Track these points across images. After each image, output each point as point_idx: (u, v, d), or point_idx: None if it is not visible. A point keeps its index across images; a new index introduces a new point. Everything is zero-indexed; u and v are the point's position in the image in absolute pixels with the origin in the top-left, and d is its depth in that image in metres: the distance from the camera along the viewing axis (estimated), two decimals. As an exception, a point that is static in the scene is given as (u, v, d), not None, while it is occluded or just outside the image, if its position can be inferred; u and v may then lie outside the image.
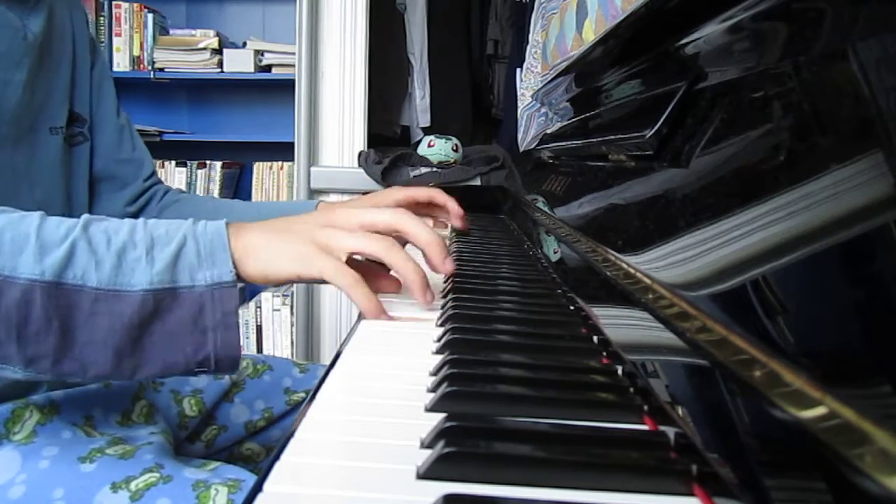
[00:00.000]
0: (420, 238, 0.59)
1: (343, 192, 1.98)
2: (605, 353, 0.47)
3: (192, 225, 0.53)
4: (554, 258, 0.76)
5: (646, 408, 0.37)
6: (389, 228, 0.58)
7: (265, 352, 2.24)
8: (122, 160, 0.89)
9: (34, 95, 0.72)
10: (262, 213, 0.90)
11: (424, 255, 0.60)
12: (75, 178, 0.81)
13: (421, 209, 0.85)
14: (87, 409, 0.71)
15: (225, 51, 2.38)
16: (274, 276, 0.53)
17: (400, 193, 0.81)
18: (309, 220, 0.57)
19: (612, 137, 0.66)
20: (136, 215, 0.91)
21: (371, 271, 0.61)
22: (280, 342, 2.29)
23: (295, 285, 2.07)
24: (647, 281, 0.42)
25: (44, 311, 0.47)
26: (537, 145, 1.34)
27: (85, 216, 0.52)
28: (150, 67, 2.41)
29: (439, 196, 0.82)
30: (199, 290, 0.50)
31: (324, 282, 0.54)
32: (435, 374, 0.43)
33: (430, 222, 0.87)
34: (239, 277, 0.52)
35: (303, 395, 0.89)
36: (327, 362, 0.47)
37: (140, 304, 0.49)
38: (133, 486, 0.59)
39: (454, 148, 1.97)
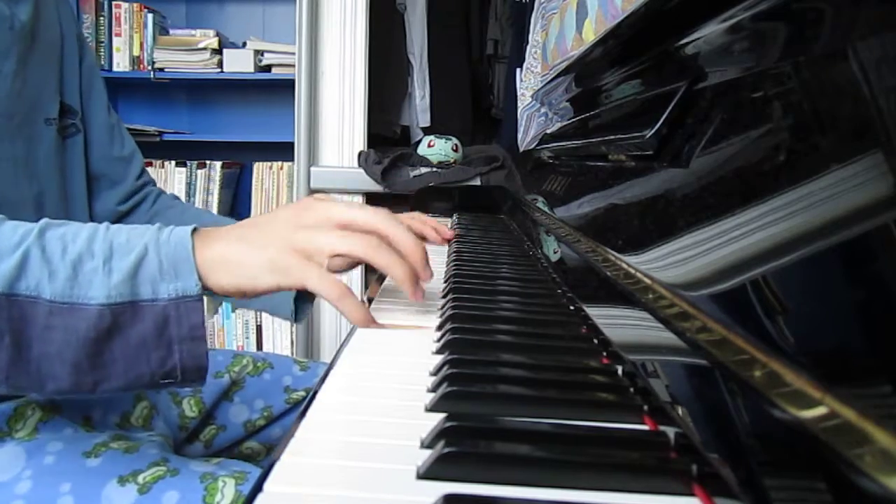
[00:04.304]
0: (400, 244, 0.54)
1: (343, 192, 1.98)
2: (605, 353, 0.47)
3: (156, 232, 0.50)
4: (554, 258, 0.76)
5: (646, 408, 0.37)
6: (368, 228, 0.53)
7: (265, 351, 2.24)
8: (112, 158, 0.88)
9: (25, 86, 0.72)
10: None
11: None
12: (71, 171, 0.80)
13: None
14: (87, 410, 0.72)
15: (225, 51, 2.38)
16: (251, 288, 0.50)
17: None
18: (280, 218, 0.53)
19: (612, 137, 0.66)
20: (126, 214, 0.91)
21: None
22: (280, 342, 2.29)
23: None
24: (647, 281, 0.42)
25: None
26: (537, 145, 1.34)
27: (44, 220, 0.49)
28: (149, 67, 2.40)
29: (417, 225, 0.85)
30: (163, 304, 0.47)
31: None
32: (435, 374, 0.43)
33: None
34: (210, 290, 0.49)
35: (303, 393, 0.89)
36: (327, 361, 0.47)
37: (97, 318, 0.46)
38: (140, 479, 0.59)
39: (454, 148, 1.97)
